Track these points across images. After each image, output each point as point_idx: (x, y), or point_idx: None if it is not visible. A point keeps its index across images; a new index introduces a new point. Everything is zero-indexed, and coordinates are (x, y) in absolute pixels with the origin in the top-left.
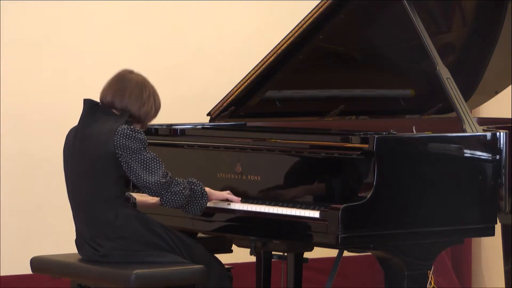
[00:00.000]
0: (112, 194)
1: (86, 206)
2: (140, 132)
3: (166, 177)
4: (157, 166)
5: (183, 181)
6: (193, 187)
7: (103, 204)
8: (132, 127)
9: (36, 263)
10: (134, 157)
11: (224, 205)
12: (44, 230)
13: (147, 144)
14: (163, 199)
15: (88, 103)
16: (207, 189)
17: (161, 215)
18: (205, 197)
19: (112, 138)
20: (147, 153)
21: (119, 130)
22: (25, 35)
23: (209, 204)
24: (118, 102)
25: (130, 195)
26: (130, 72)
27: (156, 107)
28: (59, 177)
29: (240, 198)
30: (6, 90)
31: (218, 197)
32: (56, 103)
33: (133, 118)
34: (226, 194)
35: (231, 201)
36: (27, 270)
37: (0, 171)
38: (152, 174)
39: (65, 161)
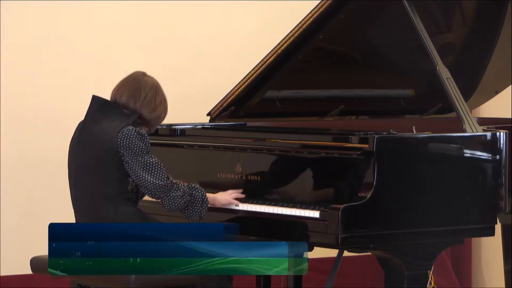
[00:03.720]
0: (114, 192)
1: (86, 201)
2: (145, 136)
3: (167, 180)
4: (158, 169)
5: (184, 186)
6: (193, 192)
7: (103, 201)
8: (138, 129)
9: (36, 263)
10: (135, 159)
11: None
12: (44, 230)
13: (150, 148)
14: (162, 202)
15: (98, 100)
16: (210, 195)
17: (161, 215)
18: (205, 204)
19: (116, 137)
20: (150, 157)
21: (124, 131)
22: (25, 35)
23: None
24: (132, 103)
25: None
26: (144, 74)
27: (165, 113)
28: (59, 177)
29: (244, 195)
30: (6, 90)
31: (223, 203)
32: (56, 103)
33: (143, 121)
34: (231, 197)
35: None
36: (27, 270)
37: (0, 171)
38: (152, 176)
39: (69, 155)
